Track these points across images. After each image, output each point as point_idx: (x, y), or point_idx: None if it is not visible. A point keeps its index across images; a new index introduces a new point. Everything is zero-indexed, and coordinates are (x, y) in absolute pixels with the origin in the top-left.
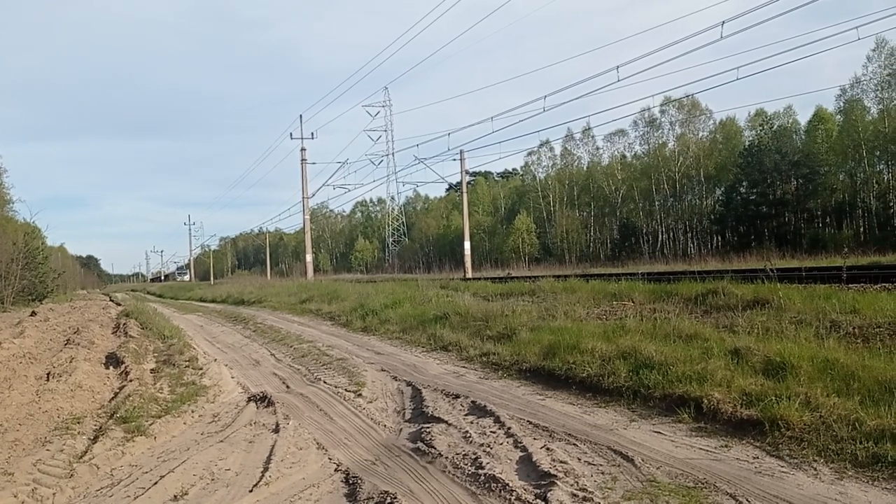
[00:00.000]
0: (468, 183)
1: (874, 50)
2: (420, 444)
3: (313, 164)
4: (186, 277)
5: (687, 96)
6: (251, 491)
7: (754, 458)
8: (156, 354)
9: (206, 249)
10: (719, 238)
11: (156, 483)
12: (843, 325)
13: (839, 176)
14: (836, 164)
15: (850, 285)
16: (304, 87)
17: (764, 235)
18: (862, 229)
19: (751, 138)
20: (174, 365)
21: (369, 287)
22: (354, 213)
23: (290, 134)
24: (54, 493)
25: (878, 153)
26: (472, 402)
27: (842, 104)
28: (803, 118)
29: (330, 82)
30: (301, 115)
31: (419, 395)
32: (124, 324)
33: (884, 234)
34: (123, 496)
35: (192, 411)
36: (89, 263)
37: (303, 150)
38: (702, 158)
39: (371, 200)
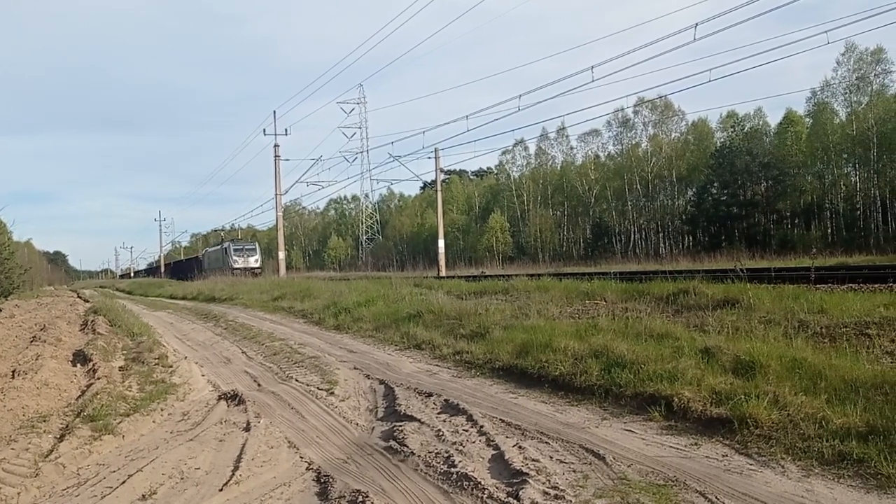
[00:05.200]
0: (443, 181)
1: (843, 54)
2: (392, 443)
3: (287, 160)
4: (254, 260)
5: (660, 97)
6: (221, 490)
7: (723, 455)
8: (125, 352)
9: (177, 246)
10: (691, 238)
11: (123, 482)
12: (811, 324)
13: (808, 178)
14: (805, 166)
15: (818, 285)
16: (277, 83)
17: (734, 236)
18: (830, 230)
19: (722, 139)
20: (143, 363)
21: (342, 285)
22: (328, 210)
23: (264, 130)
24: (19, 493)
25: (846, 156)
26: (445, 400)
27: (811, 107)
28: (774, 120)
29: (304, 78)
30: (274, 111)
31: (392, 394)
32: (92, 321)
33: (851, 236)
34: (90, 496)
35: (162, 409)
36: (57, 259)
37: (276, 146)
38: (674, 159)
39: (345, 198)
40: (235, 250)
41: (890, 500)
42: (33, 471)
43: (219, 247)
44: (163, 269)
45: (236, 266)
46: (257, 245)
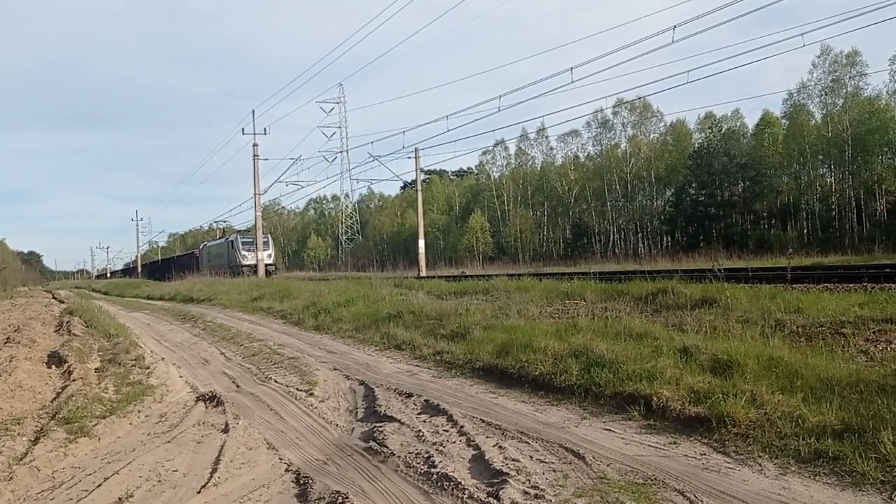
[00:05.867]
0: (423, 181)
1: (819, 56)
2: (372, 444)
3: (266, 160)
4: (268, 255)
5: (639, 98)
6: (199, 492)
7: (702, 454)
8: (101, 353)
9: (155, 246)
10: (669, 238)
11: (99, 485)
12: (788, 323)
13: (784, 179)
14: (782, 167)
15: (794, 285)
16: (256, 82)
17: (712, 236)
18: (805, 231)
19: (700, 140)
20: (120, 364)
21: (322, 285)
22: (307, 210)
23: (243, 129)
24: None
25: (822, 157)
26: (426, 400)
27: (788, 109)
28: (751, 121)
29: (283, 78)
30: (253, 111)
31: (372, 394)
32: (68, 322)
33: (826, 236)
34: (65, 499)
35: (139, 411)
36: (31, 259)
37: (255, 145)
38: (653, 160)
39: (325, 197)
40: (244, 243)
41: (865, 496)
42: (7, 474)
43: (223, 240)
44: (140, 270)
45: (246, 262)
46: (270, 237)
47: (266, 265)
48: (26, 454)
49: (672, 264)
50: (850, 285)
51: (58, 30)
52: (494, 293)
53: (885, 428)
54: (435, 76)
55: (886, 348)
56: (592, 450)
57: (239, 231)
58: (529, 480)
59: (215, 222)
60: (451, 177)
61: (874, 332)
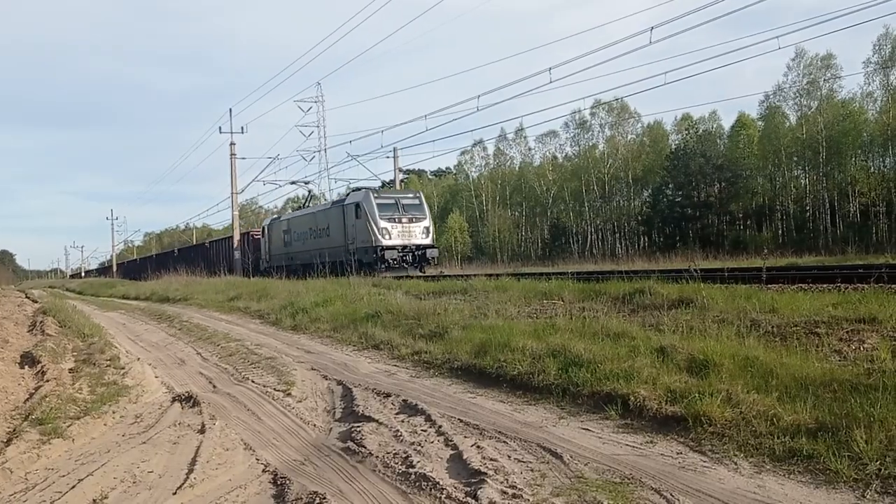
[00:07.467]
0: (401, 181)
1: (794, 59)
2: (350, 444)
3: (243, 158)
4: (422, 230)
5: (616, 99)
6: (175, 493)
7: (678, 453)
8: (75, 353)
9: (130, 245)
10: (646, 239)
11: (73, 487)
12: (763, 323)
13: (759, 180)
14: (757, 168)
15: (769, 285)
16: (234, 80)
17: (689, 236)
18: (780, 231)
19: (677, 142)
20: (94, 364)
21: (300, 284)
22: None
23: (220, 128)
24: None
25: (796, 159)
26: (404, 400)
27: (763, 111)
28: (727, 123)
29: (261, 76)
30: (230, 110)
31: (350, 394)
32: (41, 321)
33: (800, 237)
34: (38, 501)
35: (114, 412)
36: (3, 258)
37: (232, 144)
38: (630, 161)
39: (303, 196)
40: (383, 207)
41: (838, 494)
42: None
43: (330, 205)
44: (115, 269)
45: (388, 243)
46: (423, 198)
47: (419, 248)
48: None
49: (649, 264)
50: (824, 285)
51: (31, 27)
52: (473, 293)
53: (858, 426)
54: (414, 76)
55: (859, 348)
56: (570, 449)
57: (365, 188)
58: (507, 480)
59: (185, 226)
60: (430, 177)
61: (847, 332)
